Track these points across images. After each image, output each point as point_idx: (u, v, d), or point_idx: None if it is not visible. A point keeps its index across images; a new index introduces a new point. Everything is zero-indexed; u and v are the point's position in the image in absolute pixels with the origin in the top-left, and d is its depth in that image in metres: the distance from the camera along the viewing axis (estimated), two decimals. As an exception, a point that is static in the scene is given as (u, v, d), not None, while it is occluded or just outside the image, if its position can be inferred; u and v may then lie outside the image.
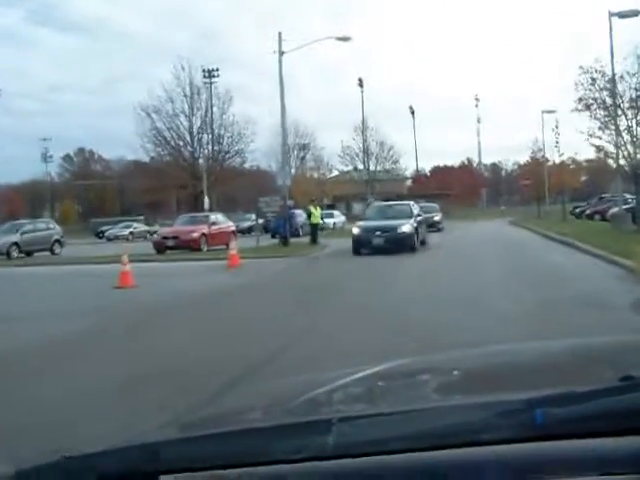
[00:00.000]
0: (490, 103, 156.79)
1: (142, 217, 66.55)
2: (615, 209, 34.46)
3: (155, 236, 31.90)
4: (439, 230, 37.40)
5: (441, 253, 22.76)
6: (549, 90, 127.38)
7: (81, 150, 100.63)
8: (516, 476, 0.98)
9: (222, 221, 32.21)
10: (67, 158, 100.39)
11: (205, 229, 29.46)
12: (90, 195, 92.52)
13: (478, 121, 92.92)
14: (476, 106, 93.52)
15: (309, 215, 30.15)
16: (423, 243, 24.85)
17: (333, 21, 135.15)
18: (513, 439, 1.00)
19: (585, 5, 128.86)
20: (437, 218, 39.92)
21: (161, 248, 28.74)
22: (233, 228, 32.11)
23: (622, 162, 24.76)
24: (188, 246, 28.43)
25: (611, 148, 24.78)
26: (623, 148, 24.34)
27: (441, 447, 1.02)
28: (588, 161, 54.24)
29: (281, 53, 32.57)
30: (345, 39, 33.28)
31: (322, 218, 33.33)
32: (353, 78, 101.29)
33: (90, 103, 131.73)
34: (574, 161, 49.85)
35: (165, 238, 29.49)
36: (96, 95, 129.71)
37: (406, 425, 1.09)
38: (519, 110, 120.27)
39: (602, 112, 24.72)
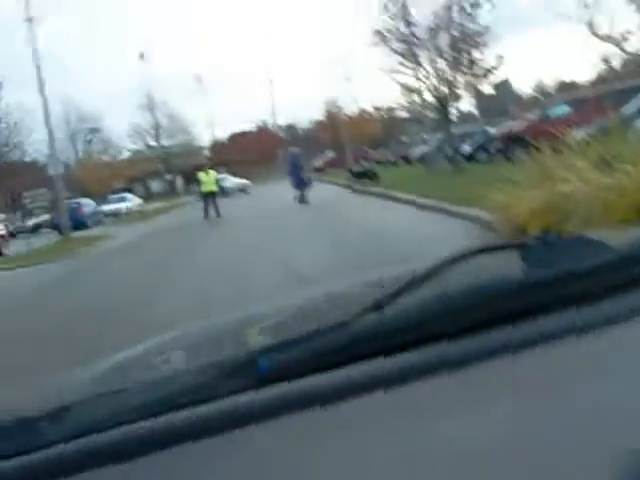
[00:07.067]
0: (280, 64, 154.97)
1: None
2: (419, 149, 32.18)
3: None
4: None
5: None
6: (336, 41, 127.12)
7: None
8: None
9: (-14, 223, 26.86)
10: None
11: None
12: None
13: (270, 83, 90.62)
14: (266, 68, 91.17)
15: (198, 184, 24.34)
16: None
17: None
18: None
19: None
20: None
21: None
22: (2, 232, 26.96)
23: (428, 98, 22.70)
24: None
25: (414, 83, 22.54)
26: (428, 82, 22.19)
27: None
28: (378, 109, 54.14)
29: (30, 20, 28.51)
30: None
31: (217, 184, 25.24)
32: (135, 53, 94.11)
33: None
34: (367, 111, 48.92)
35: None
36: None
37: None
38: (309, 68, 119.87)
39: (400, 45, 22.39)
